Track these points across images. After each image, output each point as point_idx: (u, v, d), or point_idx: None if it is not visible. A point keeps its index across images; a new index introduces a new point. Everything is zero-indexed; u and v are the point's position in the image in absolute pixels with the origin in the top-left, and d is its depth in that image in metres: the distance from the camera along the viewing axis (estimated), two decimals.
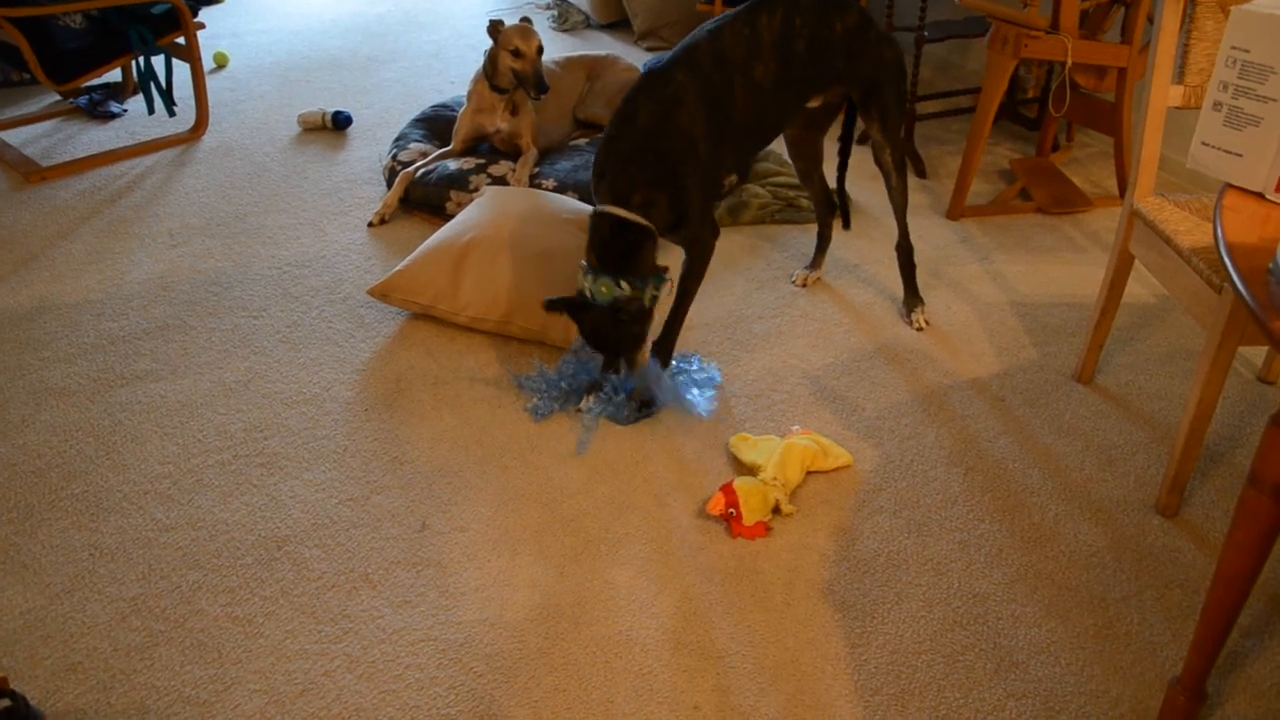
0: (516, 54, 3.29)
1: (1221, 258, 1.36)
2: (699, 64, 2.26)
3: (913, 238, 2.81)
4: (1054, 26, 3.18)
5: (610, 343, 2.35)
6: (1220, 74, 1.59)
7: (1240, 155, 1.59)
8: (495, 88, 3.38)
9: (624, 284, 2.26)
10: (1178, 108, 2.22)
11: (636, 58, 4.93)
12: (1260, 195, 1.59)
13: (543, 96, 3.33)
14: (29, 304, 2.92)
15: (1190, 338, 2.76)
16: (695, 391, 2.45)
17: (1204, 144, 1.65)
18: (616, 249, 2.26)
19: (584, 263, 2.33)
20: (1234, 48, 1.55)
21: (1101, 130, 3.55)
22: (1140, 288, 2.99)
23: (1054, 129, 3.72)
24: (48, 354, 2.69)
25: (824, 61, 2.44)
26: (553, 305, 2.31)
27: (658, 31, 5.20)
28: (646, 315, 2.34)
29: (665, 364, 2.45)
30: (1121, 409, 2.48)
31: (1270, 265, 1.32)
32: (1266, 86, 1.52)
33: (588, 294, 2.28)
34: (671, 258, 2.98)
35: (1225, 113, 1.60)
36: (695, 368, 2.56)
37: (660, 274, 2.35)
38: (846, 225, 3.05)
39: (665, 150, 2.22)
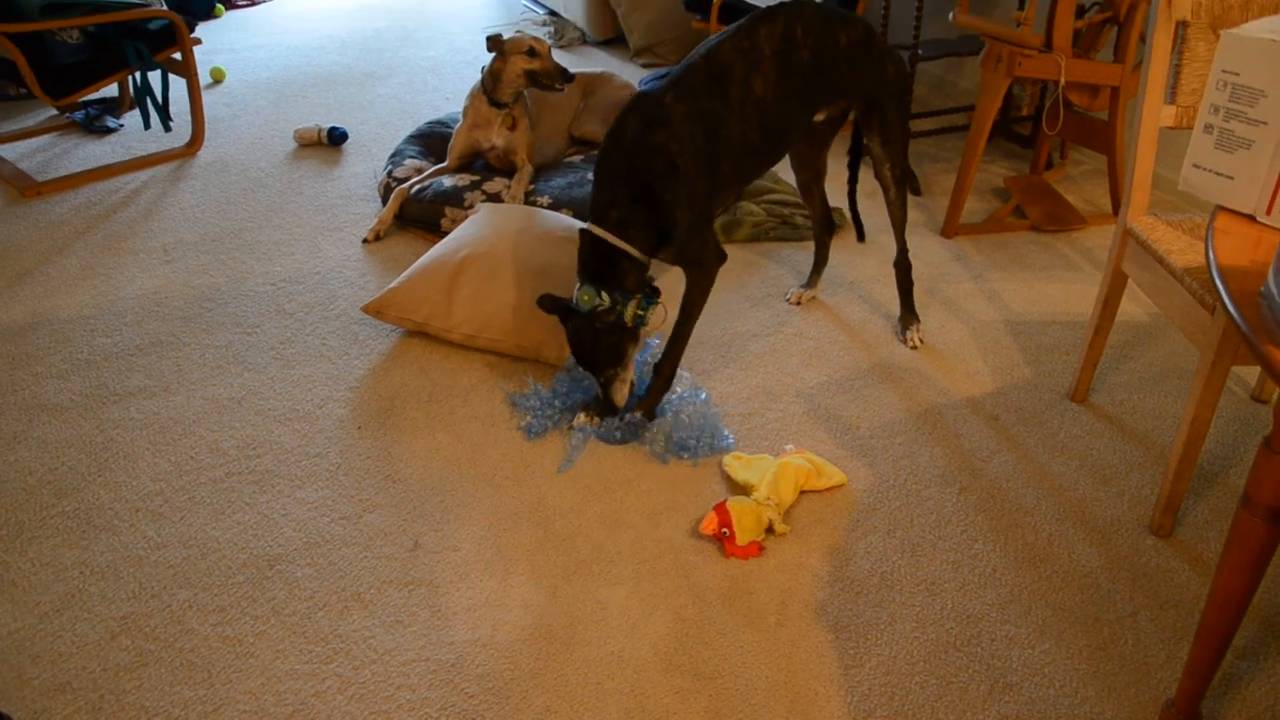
0: (532, 54, 3.30)
1: (1213, 281, 1.37)
2: (692, 83, 2.27)
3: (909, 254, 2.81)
4: (1047, 45, 3.19)
5: (587, 353, 2.36)
6: (1211, 97, 1.59)
7: (1231, 178, 1.59)
8: (494, 102, 3.39)
9: (604, 295, 2.29)
10: (1170, 128, 2.22)
11: (632, 75, 4.94)
12: (1251, 218, 1.59)
13: (567, 87, 3.35)
14: (22, 319, 2.91)
15: (1184, 356, 2.77)
16: (695, 440, 2.39)
17: (1195, 166, 1.66)
18: (596, 264, 2.31)
19: (577, 272, 2.37)
20: (1224, 71, 1.56)
21: (1095, 148, 3.56)
22: (1134, 305, 3.00)
23: (1048, 147, 3.73)
24: (40, 369, 2.68)
25: (827, 74, 2.44)
26: (544, 302, 2.38)
27: (654, 48, 5.22)
28: (623, 330, 2.34)
29: (665, 387, 2.45)
30: (1116, 428, 2.48)
31: (1261, 289, 1.32)
32: (1257, 110, 1.53)
33: (573, 300, 2.34)
34: (669, 282, 2.99)
35: (1216, 135, 1.61)
36: (686, 393, 2.54)
37: (650, 294, 2.36)
38: (861, 238, 3.07)
39: (644, 168, 2.24)
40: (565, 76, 3.33)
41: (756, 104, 2.32)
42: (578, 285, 2.33)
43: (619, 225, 2.27)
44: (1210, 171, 1.63)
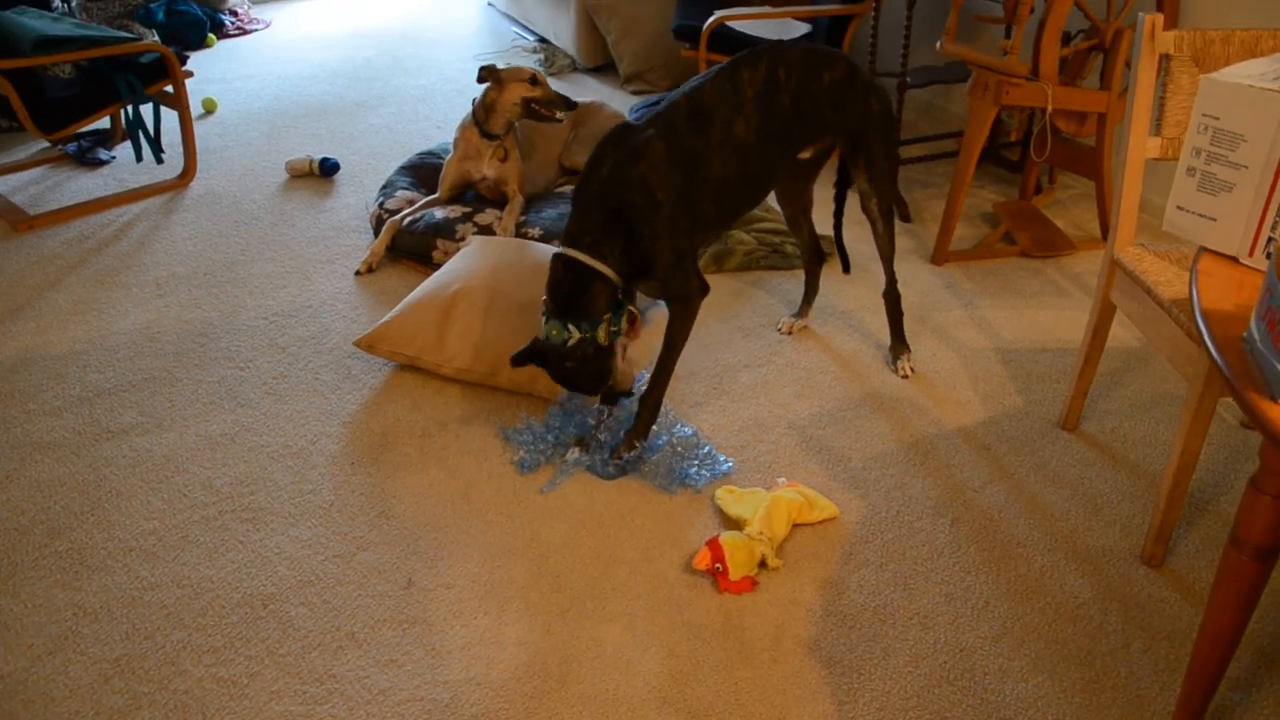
0: (534, 82, 3.32)
1: (1197, 325, 1.38)
2: (673, 120, 2.30)
3: (898, 284, 2.83)
4: (1034, 73, 3.22)
5: (575, 386, 2.39)
6: (1193, 140, 1.61)
7: (1214, 220, 1.61)
8: (485, 134, 3.40)
9: (571, 328, 2.29)
10: (1156, 159, 2.25)
11: (622, 102, 4.97)
12: (1235, 259, 1.61)
13: (566, 117, 3.39)
14: (14, 356, 2.91)
15: (1174, 383, 2.78)
16: (695, 468, 2.43)
17: (1179, 208, 1.68)
18: (566, 290, 2.30)
19: (544, 302, 2.37)
20: (1205, 115, 1.58)
21: (1083, 174, 3.59)
22: (1124, 332, 3.01)
23: (1036, 172, 3.76)
24: (33, 407, 2.68)
25: (811, 113, 2.46)
26: (518, 360, 2.37)
27: (643, 75, 5.25)
28: (601, 351, 2.35)
29: (651, 420, 2.45)
30: (1107, 456, 2.49)
31: (1245, 334, 1.33)
32: (1238, 153, 1.55)
33: (543, 337, 2.34)
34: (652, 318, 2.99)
35: (1199, 178, 1.62)
36: (675, 427, 2.55)
37: (619, 306, 2.36)
38: (846, 270, 3.07)
39: (623, 199, 2.25)
40: (567, 104, 3.34)
41: (737, 146, 2.34)
42: (544, 319, 2.34)
43: (592, 246, 2.27)
44: (1193, 213, 1.65)
